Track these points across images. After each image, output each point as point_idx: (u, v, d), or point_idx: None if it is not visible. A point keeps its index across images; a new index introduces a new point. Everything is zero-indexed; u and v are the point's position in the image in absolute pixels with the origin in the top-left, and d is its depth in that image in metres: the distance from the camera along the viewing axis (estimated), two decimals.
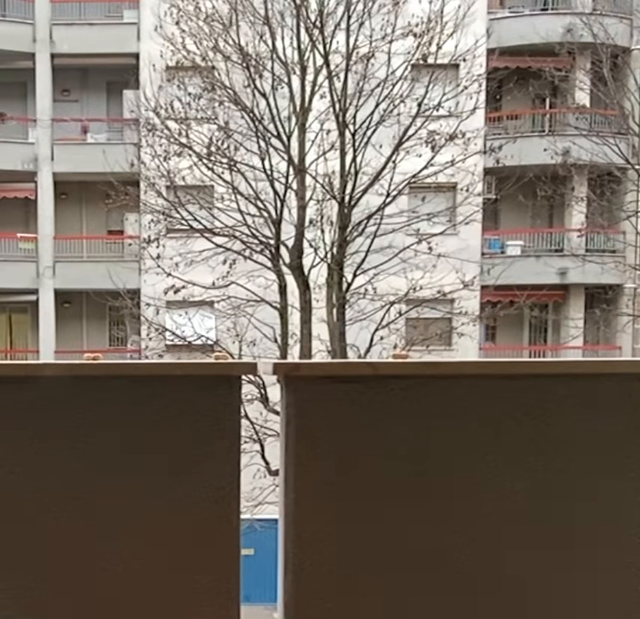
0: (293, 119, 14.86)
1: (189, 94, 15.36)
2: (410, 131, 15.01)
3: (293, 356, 14.59)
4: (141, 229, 17.21)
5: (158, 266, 15.24)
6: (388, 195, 14.77)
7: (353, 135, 14.73)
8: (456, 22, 15.07)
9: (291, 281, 14.88)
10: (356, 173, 14.74)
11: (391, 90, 14.83)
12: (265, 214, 14.86)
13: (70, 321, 22.58)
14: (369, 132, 14.74)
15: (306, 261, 14.82)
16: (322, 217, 14.99)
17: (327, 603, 1.82)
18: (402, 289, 15.44)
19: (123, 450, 1.78)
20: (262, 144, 14.87)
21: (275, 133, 14.85)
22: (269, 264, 15.02)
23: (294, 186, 14.93)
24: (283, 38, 14.96)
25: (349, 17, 14.83)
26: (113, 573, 1.80)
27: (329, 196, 15.04)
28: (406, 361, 1.82)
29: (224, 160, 15.17)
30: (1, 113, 22.70)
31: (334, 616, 1.82)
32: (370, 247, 14.79)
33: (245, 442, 12.34)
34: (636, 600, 1.85)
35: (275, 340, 14.78)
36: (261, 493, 13.21)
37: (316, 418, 1.78)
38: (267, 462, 13.76)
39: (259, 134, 14.85)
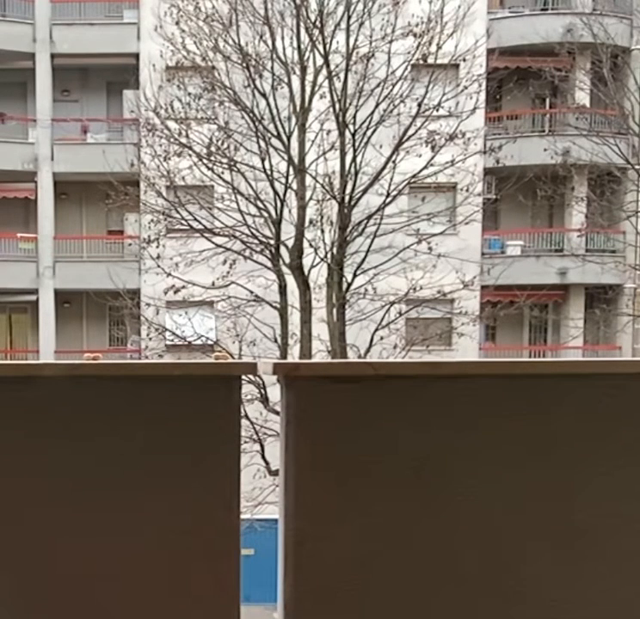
0: (293, 119, 14.86)
1: (189, 94, 15.36)
2: (410, 131, 15.01)
3: (293, 356, 14.59)
4: (141, 229, 17.20)
5: (158, 266, 15.24)
6: (388, 195, 14.77)
7: (353, 135, 14.73)
8: (456, 22, 15.07)
9: (291, 281, 14.88)
10: (356, 173, 14.74)
11: (391, 90, 14.83)
12: (265, 214, 14.86)
13: (70, 321, 22.58)
14: (369, 132, 14.74)
15: (306, 261, 14.82)
16: (322, 217, 14.99)
17: (327, 604, 1.82)
18: (402, 289, 15.44)
19: (123, 450, 1.78)
20: (262, 143, 14.87)
21: (275, 133, 14.85)
22: (269, 264, 15.02)
23: (294, 186, 14.92)
24: (283, 38, 14.96)
25: (349, 17, 14.83)
26: (112, 572, 1.80)
27: (329, 196, 15.04)
28: (406, 361, 1.82)
29: (224, 160, 15.17)
30: (1, 113, 22.70)
31: (334, 616, 1.82)
32: (370, 247, 14.79)
33: (245, 442, 12.34)
34: (637, 599, 1.85)
35: (275, 340, 14.78)
36: (261, 493, 13.21)
37: (316, 418, 1.78)
38: (267, 462, 13.76)
39: (259, 134, 14.85)
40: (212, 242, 15.29)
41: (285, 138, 14.82)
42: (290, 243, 14.79)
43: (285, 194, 14.89)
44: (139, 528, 1.79)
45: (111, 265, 18.88)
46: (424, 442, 1.80)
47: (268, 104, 14.76)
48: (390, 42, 14.87)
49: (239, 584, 1.82)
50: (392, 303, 15.23)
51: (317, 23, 14.77)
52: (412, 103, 15.04)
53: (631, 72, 18.34)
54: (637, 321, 19.57)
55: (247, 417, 12.85)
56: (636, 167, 17.19)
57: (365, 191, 14.77)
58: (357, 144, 14.72)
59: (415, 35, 15.01)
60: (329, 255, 14.88)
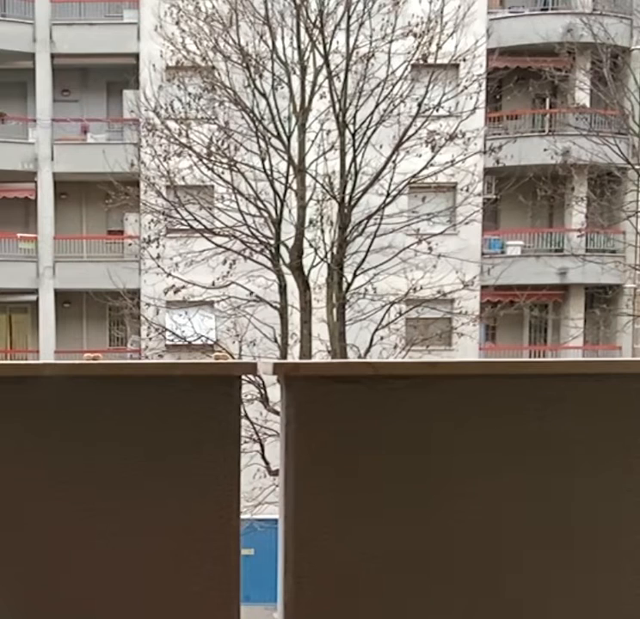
0: (293, 119, 14.85)
1: (189, 94, 15.35)
2: (410, 131, 15.01)
3: (293, 356, 14.58)
4: (141, 229, 17.20)
5: (158, 266, 15.24)
6: (388, 195, 14.76)
7: (353, 135, 14.72)
8: (456, 22, 15.07)
9: (291, 281, 14.88)
10: (356, 173, 14.74)
11: (391, 90, 14.83)
12: (265, 214, 14.86)
13: (70, 321, 22.58)
14: (369, 132, 14.73)
15: (306, 261, 14.82)
16: (322, 217, 14.99)
17: (327, 603, 1.82)
18: (402, 289, 15.44)
19: (123, 450, 1.78)
20: (262, 143, 14.86)
21: (275, 133, 14.84)
22: (269, 264, 15.02)
23: (294, 186, 14.92)
24: (283, 38, 14.95)
25: (349, 17, 14.82)
26: (112, 572, 1.80)
27: (329, 196, 15.04)
28: (406, 361, 1.82)
29: (224, 160, 15.17)
30: (1, 113, 22.69)
31: (334, 616, 1.82)
32: (370, 247, 14.79)
33: (245, 442, 12.34)
34: (636, 599, 1.85)
35: (275, 340, 14.78)
36: (261, 493, 13.21)
37: (316, 418, 1.78)
38: (267, 462, 13.76)
39: (259, 134, 14.84)
40: (212, 242, 15.29)
41: (285, 138, 14.81)
42: (290, 243, 14.79)
43: (285, 194, 14.89)
44: (139, 528, 1.79)
45: (111, 265, 18.89)
46: (424, 442, 1.80)
47: (268, 104, 14.75)
48: (390, 42, 14.87)
49: (239, 584, 1.82)
50: (392, 303, 15.23)
51: (317, 23, 14.77)
52: (412, 103, 15.04)
53: (631, 72, 18.34)
54: (637, 321, 19.56)
55: (247, 417, 12.84)
56: (637, 167, 17.18)
57: (365, 191, 14.77)
58: (357, 144, 14.71)
59: (415, 35, 15.01)
60: (329, 255, 14.88)
